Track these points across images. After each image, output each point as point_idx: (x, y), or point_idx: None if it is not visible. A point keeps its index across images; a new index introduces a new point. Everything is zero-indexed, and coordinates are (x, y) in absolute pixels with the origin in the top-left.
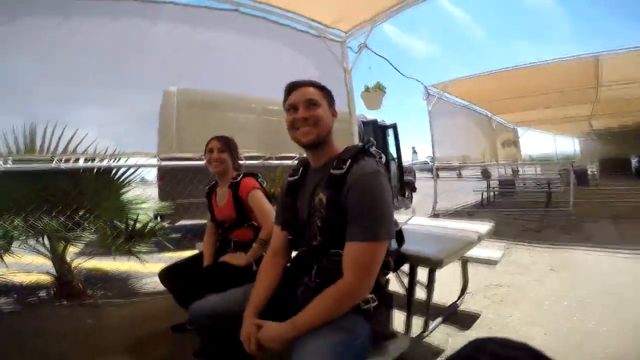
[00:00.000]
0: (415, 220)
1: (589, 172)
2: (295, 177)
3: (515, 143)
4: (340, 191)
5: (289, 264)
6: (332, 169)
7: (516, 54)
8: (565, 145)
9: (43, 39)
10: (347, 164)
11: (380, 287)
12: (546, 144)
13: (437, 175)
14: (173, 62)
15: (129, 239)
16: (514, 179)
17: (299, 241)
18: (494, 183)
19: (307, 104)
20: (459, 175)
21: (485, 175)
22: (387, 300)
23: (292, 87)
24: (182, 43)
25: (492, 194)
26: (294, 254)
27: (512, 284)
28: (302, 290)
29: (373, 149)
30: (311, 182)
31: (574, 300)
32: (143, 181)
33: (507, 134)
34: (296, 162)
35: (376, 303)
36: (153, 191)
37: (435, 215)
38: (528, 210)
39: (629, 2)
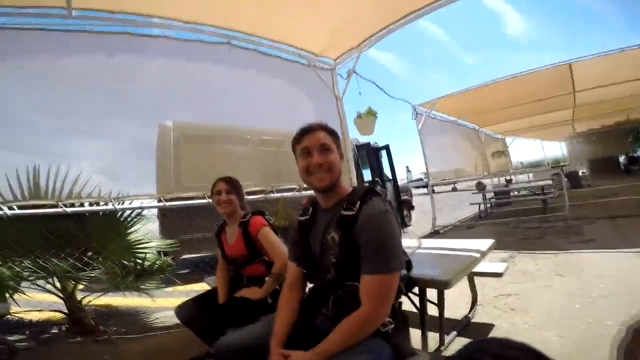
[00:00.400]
0: (414, 244)
1: (580, 174)
2: (306, 217)
3: (504, 153)
4: (352, 230)
5: (305, 297)
6: (343, 209)
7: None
8: (553, 149)
9: (39, 74)
10: (357, 205)
11: (395, 310)
12: (534, 150)
13: (433, 191)
14: (167, 95)
15: (138, 277)
16: (508, 188)
17: (313, 275)
18: (489, 194)
19: (320, 149)
20: (454, 189)
21: (480, 187)
22: (403, 321)
23: (305, 132)
24: (175, 76)
25: (488, 205)
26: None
27: (520, 292)
28: (320, 320)
29: (378, 189)
30: (322, 221)
31: (586, 302)
32: (141, 216)
33: (496, 144)
34: (296, 193)
35: (393, 325)
36: (152, 226)
37: (436, 231)
38: (526, 218)
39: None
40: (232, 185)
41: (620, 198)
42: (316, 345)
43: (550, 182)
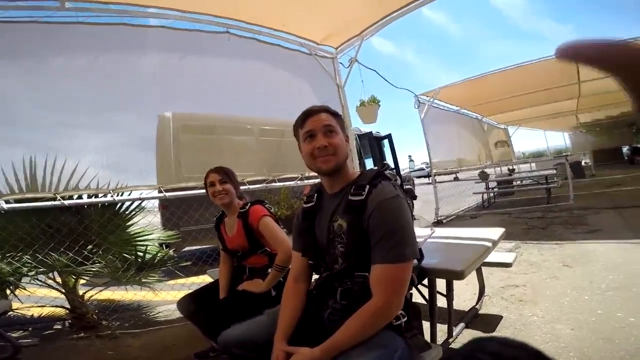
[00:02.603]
0: (426, 232)
1: (583, 164)
2: (311, 204)
3: (507, 142)
4: (361, 216)
5: (311, 288)
6: (350, 194)
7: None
8: (555, 139)
9: (38, 67)
10: (366, 189)
11: (407, 302)
12: (537, 140)
13: (435, 181)
14: (166, 86)
15: (140, 270)
16: (511, 177)
17: (319, 265)
18: (492, 184)
19: (324, 130)
20: (456, 179)
21: (483, 177)
22: (415, 314)
23: (307, 114)
24: (174, 67)
25: (491, 195)
26: (314, 277)
27: (527, 283)
28: (328, 312)
29: (388, 172)
30: (328, 208)
31: (595, 293)
32: (141, 208)
33: (498, 134)
34: (298, 182)
35: (406, 318)
36: (152, 218)
37: (439, 221)
38: (529, 208)
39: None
40: (225, 174)
41: (625, 188)
42: (323, 340)
43: (554, 171)
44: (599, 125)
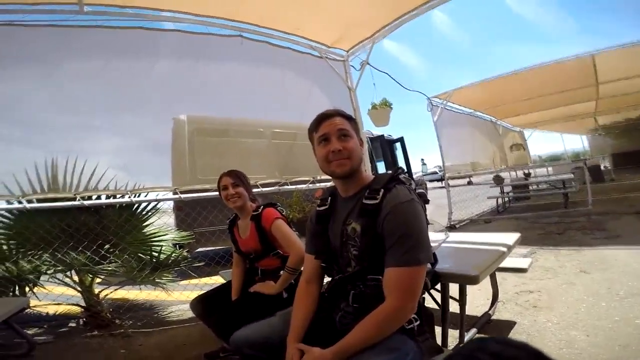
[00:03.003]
0: (440, 237)
1: (602, 168)
2: (325, 207)
3: (523, 145)
4: (375, 220)
5: (323, 291)
6: (365, 198)
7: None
8: (573, 142)
9: (55, 71)
10: (381, 193)
11: (420, 307)
12: (554, 143)
13: (449, 185)
14: (180, 89)
15: (154, 270)
16: (527, 182)
17: (332, 268)
18: (507, 188)
19: (339, 134)
20: (470, 183)
21: (498, 181)
22: (428, 318)
23: (322, 118)
24: (188, 70)
25: (506, 199)
26: (326, 279)
27: (542, 289)
28: (340, 315)
29: (402, 176)
30: (342, 212)
31: (613, 300)
32: (156, 209)
33: (514, 137)
34: (310, 185)
35: (419, 322)
36: (167, 219)
37: (452, 226)
38: (546, 213)
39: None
40: (237, 177)
41: None
42: (334, 343)
43: (572, 175)
44: (618, 127)
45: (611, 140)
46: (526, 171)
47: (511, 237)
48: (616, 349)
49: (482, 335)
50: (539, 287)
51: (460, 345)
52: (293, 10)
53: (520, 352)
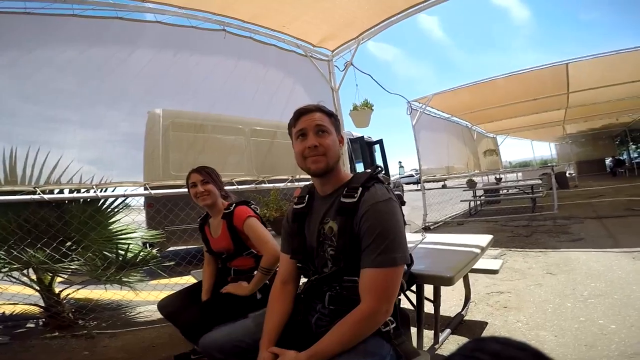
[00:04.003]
0: (417, 238)
1: (567, 175)
2: (302, 205)
3: (495, 151)
4: (352, 219)
5: (299, 292)
6: (343, 196)
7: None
8: (542, 150)
9: (24, 59)
10: (359, 192)
11: (396, 308)
12: (523, 150)
13: (424, 188)
14: (158, 82)
15: (121, 269)
16: (498, 186)
17: (308, 268)
18: (479, 192)
19: (316, 130)
20: (444, 186)
21: (471, 185)
22: (404, 320)
23: (301, 113)
24: (167, 63)
25: (478, 202)
26: (302, 280)
27: (512, 290)
28: (316, 318)
29: (381, 175)
30: (319, 210)
31: (577, 301)
32: (125, 205)
33: (487, 142)
34: (289, 184)
35: (395, 325)
36: (136, 216)
37: (427, 227)
38: (515, 216)
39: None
40: (207, 174)
41: (607, 199)
42: (310, 346)
43: (539, 181)
44: (584, 136)
45: (577, 149)
46: (498, 176)
47: (484, 239)
48: (583, 349)
49: (456, 336)
50: (508, 288)
51: (437, 350)
52: (279, 7)
53: (520, 352)
